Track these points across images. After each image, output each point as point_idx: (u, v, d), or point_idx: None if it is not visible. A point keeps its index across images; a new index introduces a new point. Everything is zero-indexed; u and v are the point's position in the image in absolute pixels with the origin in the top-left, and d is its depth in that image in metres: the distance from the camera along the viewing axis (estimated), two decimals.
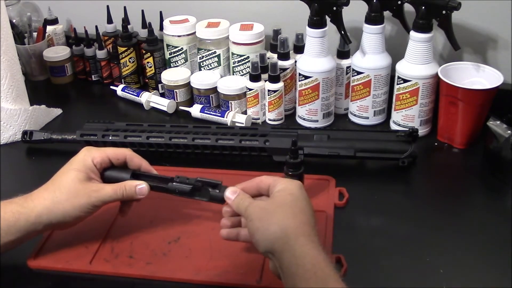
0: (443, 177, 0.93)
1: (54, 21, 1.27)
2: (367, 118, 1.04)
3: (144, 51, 1.15)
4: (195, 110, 1.08)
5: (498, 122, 0.87)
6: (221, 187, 0.74)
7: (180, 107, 1.11)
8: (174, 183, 0.76)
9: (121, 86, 1.18)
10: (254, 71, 1.03)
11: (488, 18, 1.01)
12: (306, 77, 0.99)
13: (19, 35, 1.21)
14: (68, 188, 0.71)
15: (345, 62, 1.04)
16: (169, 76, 1.10)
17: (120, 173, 0.77)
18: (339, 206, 0.84)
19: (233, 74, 1.11)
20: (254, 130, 0.94)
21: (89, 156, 0.75)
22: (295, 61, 1.04)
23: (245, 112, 1.07)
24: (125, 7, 1.18)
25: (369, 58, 0.99)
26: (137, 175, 0.77)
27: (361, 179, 0.91)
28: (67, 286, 0.73)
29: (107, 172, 0.77)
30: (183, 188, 0.76)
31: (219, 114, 1.05)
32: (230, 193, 0.70)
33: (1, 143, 1.02)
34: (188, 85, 1.10)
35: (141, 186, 0.75)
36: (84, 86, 1.25)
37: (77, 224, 0.75)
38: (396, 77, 0.99)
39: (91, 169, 0.74)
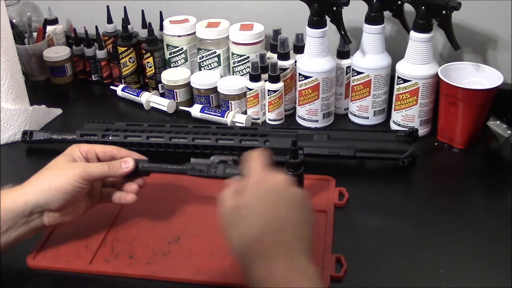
0: (443, 177, 0.93)
1: (54, 21, 1.27)
2: (367, 118, 1.04)
3: (144, 51, 1.15)
4: (195, 110, 1.08)
5: (498, 122, 0.88)
6: (237, 163, 0.74)
7: (180, 107, 1.11)
8: (191, 161, 0.76)
9: (121, 86, 1.18)
10: (254, 71, 1.03)
11: (488, 18, 1.01)
12: (306, 77, 0.99)
13: (19, 35, 1.21)
14: (55, 166, 0.73)
15: (345, 62, 1.04)
16: (169, 76, 1.10)
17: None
18: (339, 206, 0.84)
19: (233, 74, 1.11)
20: (254, 130, 0.94)
21: (77, 147, 0.76)
22: (295, 61, 1.04)
23: (245, 112, 1.07)
24: (125, 7, 1.18)
25: (369, 58, 0.99)
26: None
27: (361, 179, 0.91)
28: (67, 286, 0.73)
29: None
30: (200, 166, 0.75)
31: (219, 114, 1.05)
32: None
33: (1, 143, 1.02)
34: (188, 85, 1.10)
35: (126, 161, 0.76)
36: (84, 86, 1.25)
37: (68, 213, 0.74)
38: (396, 77, 0.99)
39: (78, 156, 0.75)
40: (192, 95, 1.12)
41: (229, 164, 0.75)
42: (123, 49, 1.16)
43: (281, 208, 0.60)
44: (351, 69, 1.02)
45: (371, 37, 0.98)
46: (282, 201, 0.60)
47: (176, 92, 1.10)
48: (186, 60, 1.14)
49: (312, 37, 0.97)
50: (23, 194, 0.70)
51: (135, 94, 1.15)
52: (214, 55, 1.11)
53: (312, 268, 0.56)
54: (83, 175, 0.72)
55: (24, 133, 1.01)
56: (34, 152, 1.01)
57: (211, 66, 1.12)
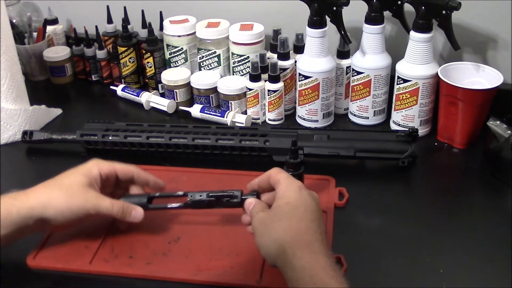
0: (443, 177, 0.93)
1: (54, 21, 1.27)
2: (367, 118, 1.04)
3: (144, 51, 1.15)
4: (195, 110, 1.08)
5: (498, 122, 0.88)
6: (235, 194, 0.74)
7: (180, 107, 1.11)
8: (189, 201, 0.76)
9: (121, 86, 1.18)
10: (254, 71, 1.03)
11: (488, 18, 1.01)
12: (306, 77, 0.99)
13: (19, 35, 1.21)
14: (68, 187, 0.72)
15: (345, 62, 1.04)
16: (169, 76, 1.10)
17: (136, 197, 0.77)
18: (339, 206, 0.84)
19: (233, 74, 1.11)
20: (254, 130, 0.94)
21: (97, 166, 0.75)
22: (295, 61, 1.04)
23: (245, 112, 1.07)
24: (125, 7, 1.18)
25: (369, 58, 0.99)
26: (153, 198, 0.78)
27: (361, 179, 0.91)
28: (67, 286, 0.73)
29: (124, 198, 0.77)
30: (199, 205, 0.76)
31: (219, 114, 1.05)
32: (247, 204, 0.71)
33: (1, 143, 1.02)
34: (188, 85, 1.10)
35: (137, 211, 0.75)
36: (84, 86, 1.25)
37: (67, 230, 0.75)
38: (396, 77, 0.99)
39: (95, 178, 0.74)
40: (192, 95, 1.11)
41: (230, 200, 0.75)
42: (123, 49, 1.16)
43: (318, 214, 0.67)
44: (351, 69, 1.02)
45: (371, 37, 0.98)
46: (316, 205, 0.68)
47: (176, 92, 1.10)
48: (186, 60, 1.14)
49: (312, 37, 0.97)
50: (29, 208, 0.70)
51: (135, 94, 1.15)
52: (214, 55, 1.11)
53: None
54: (92, 212, 0.72)
55: (24, 133, 1.01)
56: (34, 152, 1.01)
57: (211, 66, 1.12)
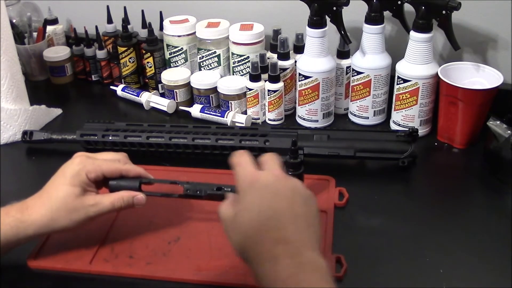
0: (443, 177, 0.93)
1: (54, 21, 1.27)
2: (367, 118, 1.04)
3: (144, 51, 1.15)
4: (195, 110, 1.08)
5: (498, 122, 0.88)
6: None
7: (180, 107, 1.11)
8: (186, 192, 0.76)
9: (121, 86, 1.18)
10: (254, 71, 1.03)
11: (488, 18, 1.01)
12: (306, 77, 0.99)
13: (19, 35, 1.21)
14: (65, 205, 0.71)
15: (345, 62, 1.04)
16: (169, 76, 1.10)
17: (128, 183, 0.76)
18: (339, 206, 0.84)
19: (233, 74, 1.11)
20: (254, 130, 0.94)
21: (84, 171, 0.73)
22: (295, 61, 1.04)
23: (245, 112, 1.07)
24: (125, 7, 1.18)
25: (369, 58, 0.99)
26: (145, 183, 0.77)
27: (361, 179, 0.91)
28: (67, 286, 0.73)
29: (114, 183, 0.76)
30: (193, 197, 0.76)
31: (219, 114, 1.05)
32: None
33: (1, 143, 1.02)
34: (188, 85, 1.11)
35: (139, 196, 0.75)
36: (84, 86, 1.25)
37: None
38: (396, 77, 0.99)
39: (85, 182, 0.73)
40: (192, 95, 1.12)
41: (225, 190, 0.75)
42: (123, 49, 1.16)
43: (276, 203, 0.57)
44: (351, 69, 1.02)
45: (371, 37, 0.98)
46: (275, 196, 0.58)
47: (176, 92, 1.10)
48: (186, 60, 1.14)
49: (312, 37, 0.97)
50: (35, 229, 0.70)
51: (135, 94, 1.15)
52: (214, 55, 1.11)
53: (320, 261, 0.54)
54: (95, 216, 0.73)
55: (24, 133, 1.01)
56: (34, 152, 1.01)
57: (211, 66, 1.12)
